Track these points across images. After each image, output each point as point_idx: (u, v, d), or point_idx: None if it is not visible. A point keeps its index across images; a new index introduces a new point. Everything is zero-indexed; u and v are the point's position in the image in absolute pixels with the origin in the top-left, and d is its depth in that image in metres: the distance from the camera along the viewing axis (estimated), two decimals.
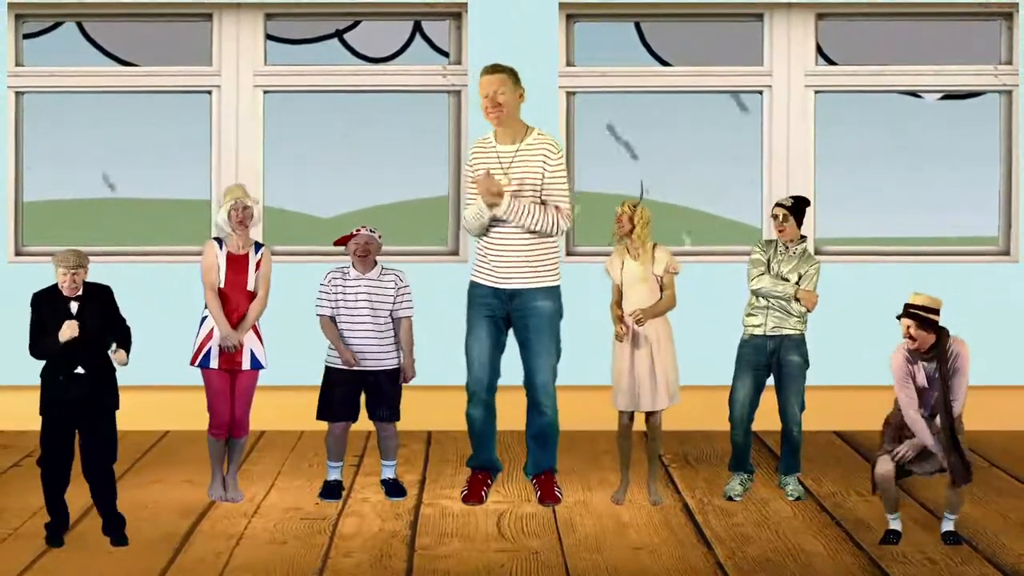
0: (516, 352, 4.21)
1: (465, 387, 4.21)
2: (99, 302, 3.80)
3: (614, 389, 4.18)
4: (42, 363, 3.79)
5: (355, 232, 4.26)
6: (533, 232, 4.09)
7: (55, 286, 3.79)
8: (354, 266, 4.26)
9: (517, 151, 4.12)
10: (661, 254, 4.12)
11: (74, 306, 3.75)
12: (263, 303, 4.18)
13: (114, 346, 3.82)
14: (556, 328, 4.17)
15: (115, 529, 3.78)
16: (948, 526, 3.85)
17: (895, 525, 3.86)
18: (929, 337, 3.69)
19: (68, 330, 3.70)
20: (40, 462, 3.79)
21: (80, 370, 3.73)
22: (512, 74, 4.13)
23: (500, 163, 4.11)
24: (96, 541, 3.73)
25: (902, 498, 4.03)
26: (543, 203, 4.11)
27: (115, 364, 3.80)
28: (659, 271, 4.11)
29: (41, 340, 3.77)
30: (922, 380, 3.76)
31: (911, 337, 3.68)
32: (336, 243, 4.30)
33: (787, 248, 4.26)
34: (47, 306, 3.78)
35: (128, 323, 3.85)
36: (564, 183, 4.16)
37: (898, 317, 3.74)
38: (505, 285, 4.13)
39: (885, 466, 3.76)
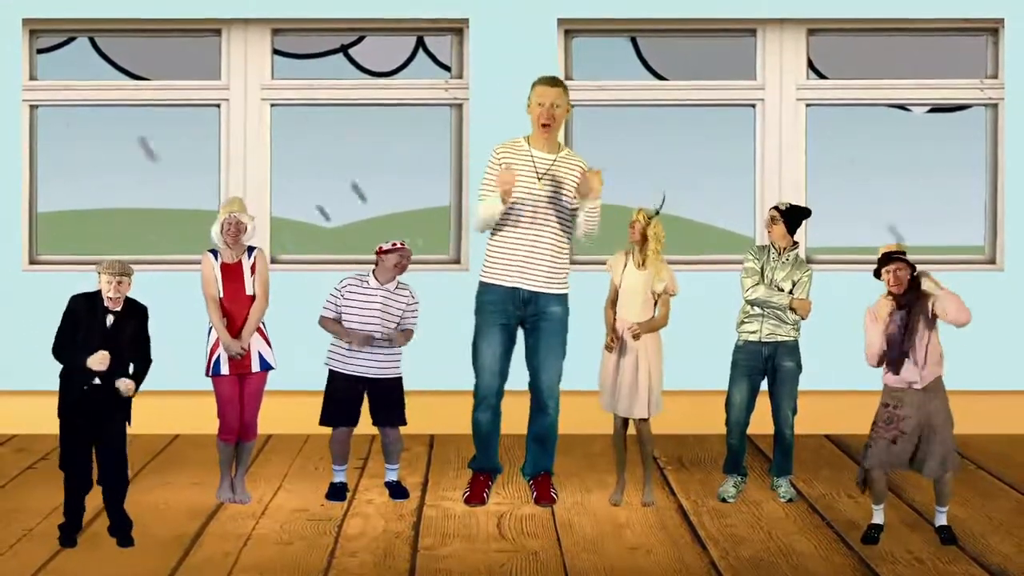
0: (516, 354, 4.28)
1: (473, 392, 4.27)
2: (134, 321, 3.81)
3: (600, 393, 4.26)
4: (58, 363, 3.83)
5: (398, 245, 4.29)
6: (587, 230, 4.18)
7: (97, 293, 3.81)
8: (376, 276, 4.32)
9: (554, 161, 4.22)
10: (665, 273, 4.17)
11: (109, 319, 3.78)
12: (263, 304, 4.23)
13: (123, 382, 3.73)
14: (566, 333, 4.25)
15: (121, 531, 3.85)
16: (941, 520, 3.97)
17: (878, 519, 3.96)
18: (906, 276, 3.89)
19: (99, 361, 3.71)
20: (62, 466, 3.85)
21: (97, 380, 3.81)
22: (567, 91, 4.25)
23: (535, 167, 4.19)
24: (108, 541, 3.81)
25: (894, 503, 4.18)
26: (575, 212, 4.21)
27: (121, 391, 3.75)
28: (658, 289, 4.18)
29: (67, 349, 3.77)
30: (893, 328, 3.89)
31: (895, 282, 3.87)
32: (379, 253, 4.28)
33: (780, 254, 4.32)
34: (85, 313, 3.78)
35: (151, 354, 3.85)
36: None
37: (877, 271, 3.92)
38: (526, 286, 4.18)
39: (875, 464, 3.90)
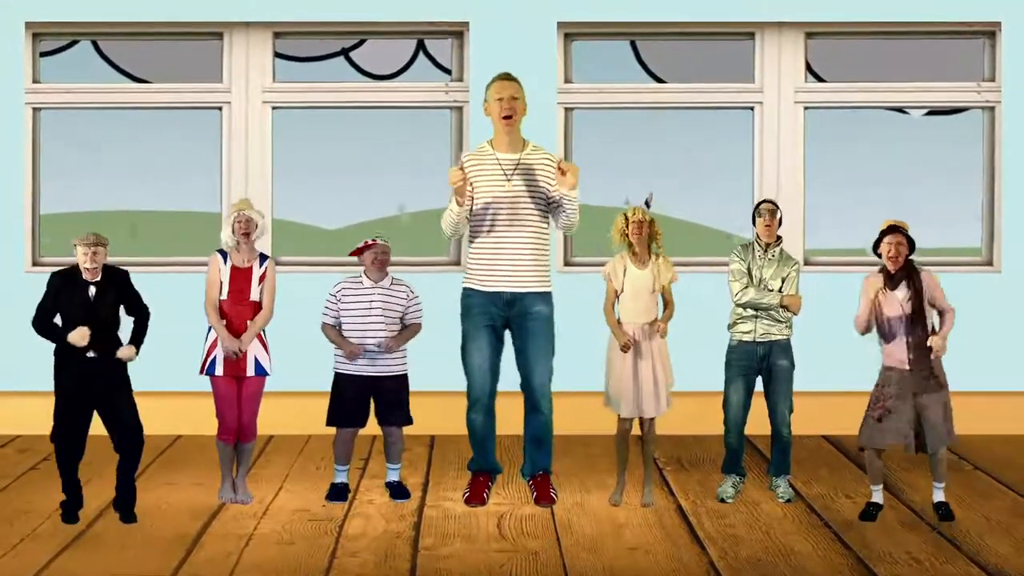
0: (508, 355, 4.31)
1: (466, 394, 4.32)
2: (116, 287, 3.90)
3: (614, 397, 4.27)
4: (34, 334, 3.94)
5: (369, 243, 4.36)
6: (567, 223, 4.22)
7: (75, 268, 3.89)
8: (367, 275, 4.37)
9: (520, 160, 4.26)
10: (667, 265, 4.23)
11: (92, 291, 3.87)
12: (269, 313, 4.26)
13: (123, 351, 3.90)
14: (553, 331, 4.29)
15: (125, 505, 3.90)
16: (939, 496, 4.10)
17: (877, 498, 4.08)
18: (904, 251, 3.99)
19: (79, 337, 3.81)
20: (53, 437, 3.92)
21: (91, 354, 3.87)
22: (522, 86, 4.29)
23: (502, 169, 4.23)
24: (111, 541, 3.83)
25: (892, 503, 4.21)
26: (556, 205, 4.24)
27: (124, 359, 3.89)
28: (664, 281, 4.23)
29: (48, 323, 3.88)
30: (893, 310, 4.00)
31: (895, 254, 3.98)
32: (352, 254, 4.37)
33: (766, 251, 4.34)
34: (66, 288, 3.88)
35: (145, 305, 3.98)
36: None
37: (876, 244, 4.03)
38: (507, 288, 4.22)
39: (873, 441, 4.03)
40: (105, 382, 3.89)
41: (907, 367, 4.01)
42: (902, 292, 4.03)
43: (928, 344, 4.00)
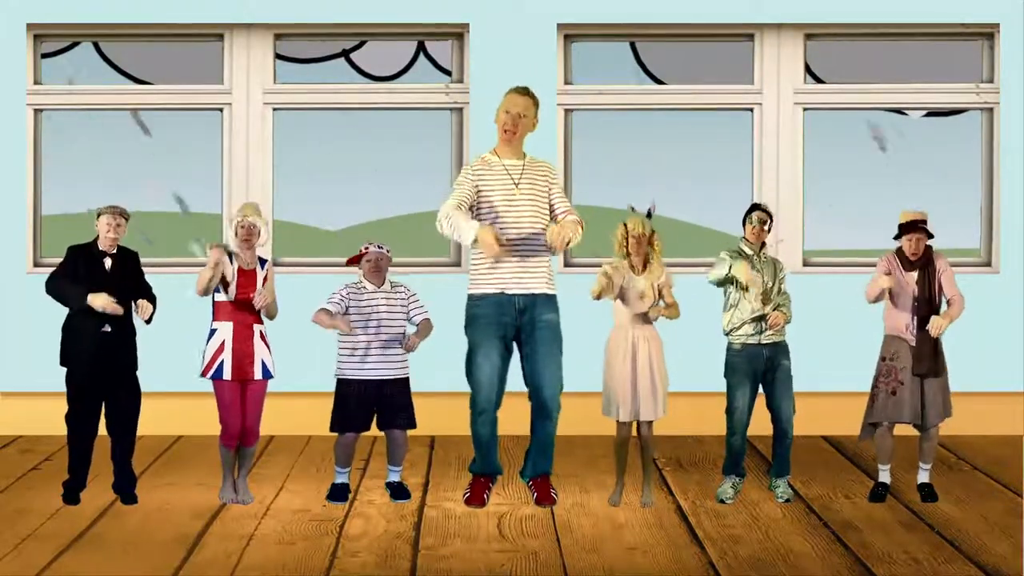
0: (513, 361, 4.33)
1: (471, 403, 4.30)
2: (129, 264, 3.98)
3: (611, 402, 4.28)
4: (55, 306, 4.03)
5: (364, 250, 4.39)
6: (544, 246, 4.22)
7: (92, 243, 3.97)
8: (367, 281, 4.38)
9: (524, 167, 4.32)
10: (659, 267, 4.27)
11: (108, 262, 3.93)
12: (275, 304, 4.29)
13: (141, 302, 3.98)
14: (561, 338, 4.30)
15: (125, 487, 3.92)
16: (924, 477, 4.24)
17: (885, 478, 4.20)
18: (923, 245, 4.23)
19: (102, 302, 3.84)
20: (67, 417, 3.95)
21: (107, 328, 3.90)
22: (537, 103, 4.31)
23: (510, 176, 4.28)
24: (112, 541, 3.84)
25: (891, 504, 4.24)
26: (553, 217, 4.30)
27: (139, 317, 3.97)
28: (660, 283, 4.27)
29: (66, 285, 3.92)
30: (906, 286, 4.19)
31: (916, 250, 4.21)
32: (348, 263, 4.40)
33: (757, 256, 4.39)
34: (83, 259, 3.95)
35: (152, 289, 4.09)
36: (565, 197, 4.40)
37: (899, 235, 4.24)
38: (521, 291, 4.23)
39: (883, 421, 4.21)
40: (117, 357, 3.92)
41: (912, 342, 4.15)
42: (917, 275, 4.22)
43: (927, 328, 4.14)
